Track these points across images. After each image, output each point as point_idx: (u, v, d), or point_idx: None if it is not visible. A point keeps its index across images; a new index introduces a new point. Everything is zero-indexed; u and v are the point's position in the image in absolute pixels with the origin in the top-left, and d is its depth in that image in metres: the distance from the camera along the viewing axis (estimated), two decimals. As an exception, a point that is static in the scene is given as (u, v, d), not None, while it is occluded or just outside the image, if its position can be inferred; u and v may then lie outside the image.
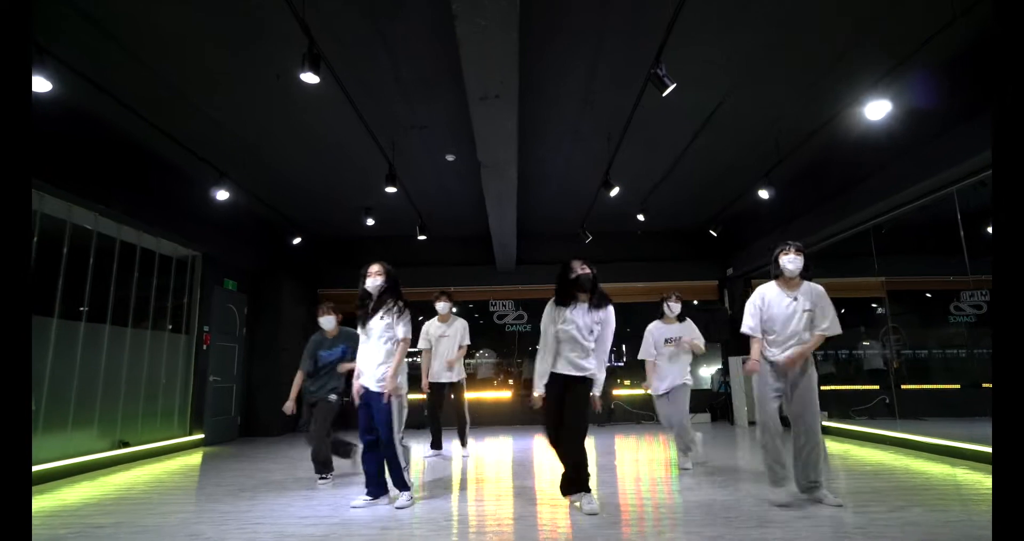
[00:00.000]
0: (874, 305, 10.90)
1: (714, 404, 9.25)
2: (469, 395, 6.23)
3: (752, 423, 8.44)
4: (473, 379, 9.61)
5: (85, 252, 5.48)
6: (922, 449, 5.38)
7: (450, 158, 6.29)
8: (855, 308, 10.72)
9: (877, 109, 4.19)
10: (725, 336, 9.41)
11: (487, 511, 3.46)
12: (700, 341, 4.69)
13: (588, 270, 3.44)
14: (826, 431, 7.16)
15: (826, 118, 5.22)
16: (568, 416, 3.38)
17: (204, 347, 7.18)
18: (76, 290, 5.37)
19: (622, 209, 7.83)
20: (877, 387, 9.20)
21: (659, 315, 4.83)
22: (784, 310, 3.36)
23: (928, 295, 10.19)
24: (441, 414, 5.67)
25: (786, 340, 3.35)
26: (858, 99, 4.54)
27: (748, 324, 3.47)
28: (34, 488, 4.50)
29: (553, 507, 3.50)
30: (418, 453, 5.78)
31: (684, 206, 8.18)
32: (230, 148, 5.87)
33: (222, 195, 5.74)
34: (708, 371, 10.22)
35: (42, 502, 4.03)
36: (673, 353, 4.67)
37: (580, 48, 4.25)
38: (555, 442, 3.46)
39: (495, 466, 5.18)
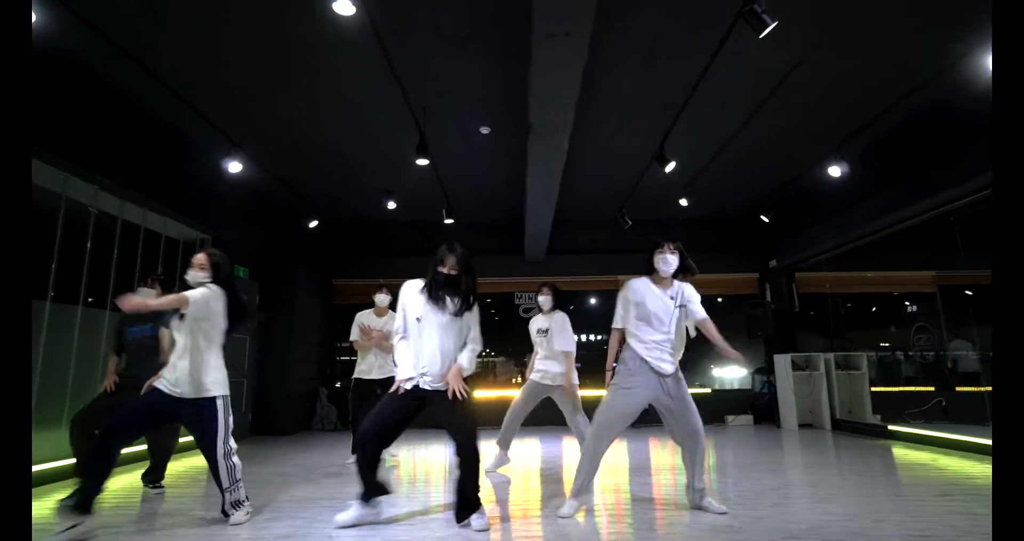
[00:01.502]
0: (906, 303, 10.26)
1: (757, 405, 8.61)
2: (490, 394, 5.70)
3: (805, 425, 7.80)
4: (486, 377, 9.06)
5: (83, 231, 4.93)
6: None
7: (484, 131, 5.70)
8: (896, 305, 10.07)
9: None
10: (769, 333, 8.77)
11: (516, 528, 2.87)
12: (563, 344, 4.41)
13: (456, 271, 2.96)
14: (893, 435, 6.52)
15: (921, 81, 4.56)
16: (460, 435, 2.88)
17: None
18: (73, 272, 4.82)
19: (664, 192, 7.22)
20: (932, 389, 8.56)
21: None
22: (664, 307, 3.19)
23: (968, 293, 9.52)
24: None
25: (666, 340, 3.17)
26: (968, 56, 3.91)
27: (621, 316, 3.26)
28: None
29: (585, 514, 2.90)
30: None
31: (732, 189, 7.55)
32: (243, 116, 5.30)
33: (235, 167, 5.17)
34: (739, 371, 9.58)
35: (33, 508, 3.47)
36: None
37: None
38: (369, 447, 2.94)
39: (523, 475, 4.58)
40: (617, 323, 3.24)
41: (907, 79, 4.66)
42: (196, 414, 2.99)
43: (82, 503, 2.80)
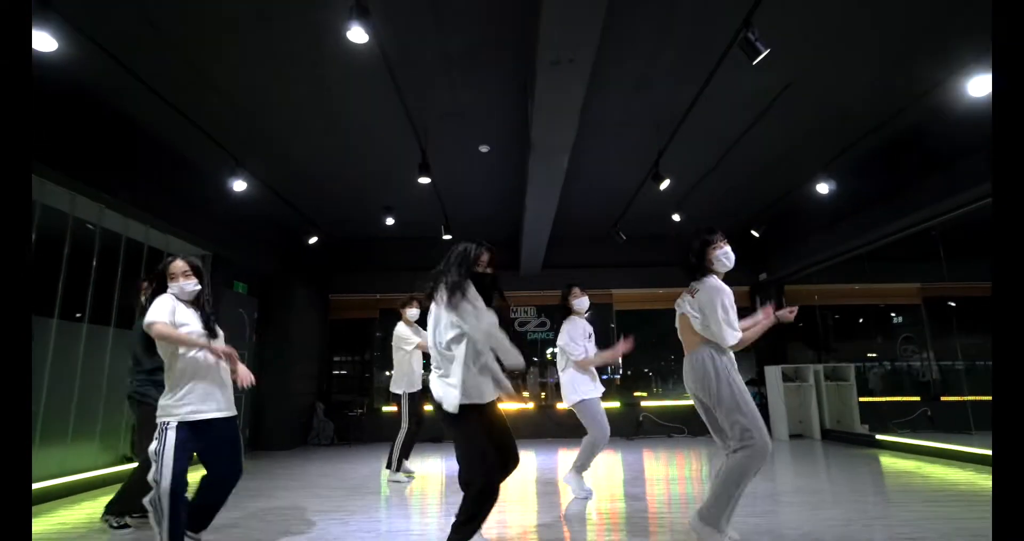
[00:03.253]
0: (892, 314, 10.52)
1: (749, 416, 8.73)
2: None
3: (795, 436, 7.95)
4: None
5: (88, 249, 4.99)
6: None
7: (484, 149, 5.86)
8: (883, 317, 10.32)
9: (982, 85, 3.79)
10: (759, 344, 8.94)
11: None
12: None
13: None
14: (880, 445, 6.69)
15: (913, 96, 4.76)
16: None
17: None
18: (78, 289, 4.88)
19: (658, 209, 7.40)
20: (919, 398, 8.77)
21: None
22: None
23: (951, 304, 9.81)
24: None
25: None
26: (958, 72, 4.13)
27: (735, 326, 2.68)
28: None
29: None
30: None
31: (724, 205, 7.75)
32: (248, 135, 5.41)
33: (239, 186, 5.27)
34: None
35: (39, 524, 3.51)
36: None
37: (649, 18, 3.83)
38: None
39: (520, 488, 4.67)
40: (735, 338, 2.65)
41: (888, 103, 4.90)
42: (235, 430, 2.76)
43: None
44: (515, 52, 4.13)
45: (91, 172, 4.62)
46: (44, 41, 2.98)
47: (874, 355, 10.03)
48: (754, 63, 3.28)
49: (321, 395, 8.77)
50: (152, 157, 5.45)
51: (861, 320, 10.39)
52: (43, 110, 4.22)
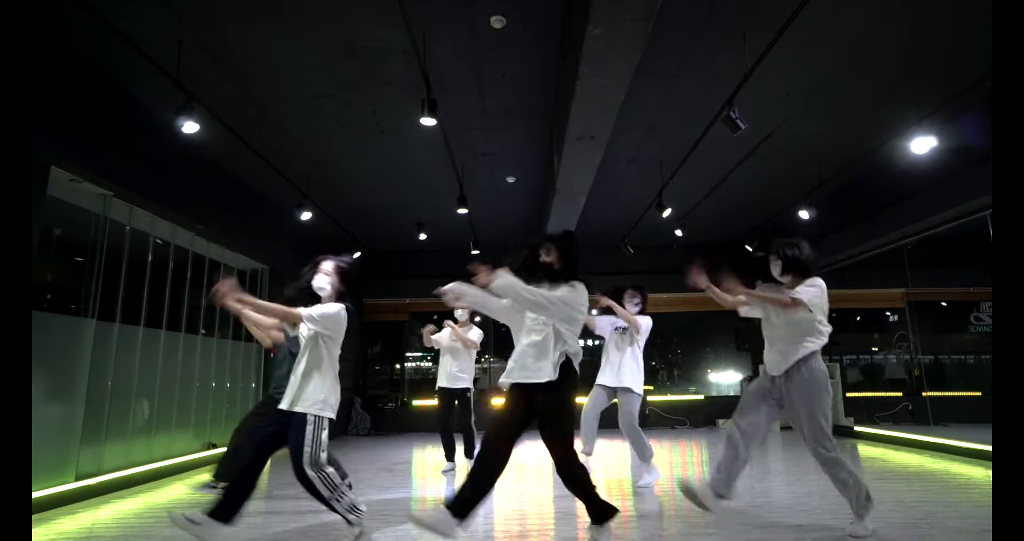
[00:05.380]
0: (888, 313, 11.41)
1: (745, 410, 9.65)
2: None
3: (786, 427, 8.85)
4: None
5: (184, 267, 5.95)
6: (955, 452, 5.80)
7: (510, 180, 6.76)
8: (873, 318, 11.20)
9: (922, 144, 4.64)
10: (754, 345, 9.85)
11: None
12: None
13: None
14: (857, 435, 7.58)
15: (870, 148, 5.64)
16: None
17: (272, 356, 7.63)
18: (176, 302, 5.84)
19: (661, 224, 8.28)
20: (900, 394, 9.64)
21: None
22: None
23: (944, 304, 10.68)
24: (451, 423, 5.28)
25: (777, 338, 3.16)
26: (903, 133, 5.00)
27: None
28: (151, 484, 4.96)
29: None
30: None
31: (720, 222, 8.64)
32: (312, 173, 6.35)
33: (305, 216, 6.21)
34: (733, 377, 10.68)
35: (162, 495, 4.49)
36: None
37: (654, 86, 4.71)
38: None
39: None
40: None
41: (853, 148, 5.78)
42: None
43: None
44: (540, 111, 5.07)
45: (191, 210, 5.60)
46: (190, 127, 3.91)
47: (872, 349, 10.91)
48: (735, 135, 4.15)
49: (358, 390, 9.75)
50: (238, 197, 6.42)
51: (858, 318, 11.31)
52: (175, 172, 5.21)
